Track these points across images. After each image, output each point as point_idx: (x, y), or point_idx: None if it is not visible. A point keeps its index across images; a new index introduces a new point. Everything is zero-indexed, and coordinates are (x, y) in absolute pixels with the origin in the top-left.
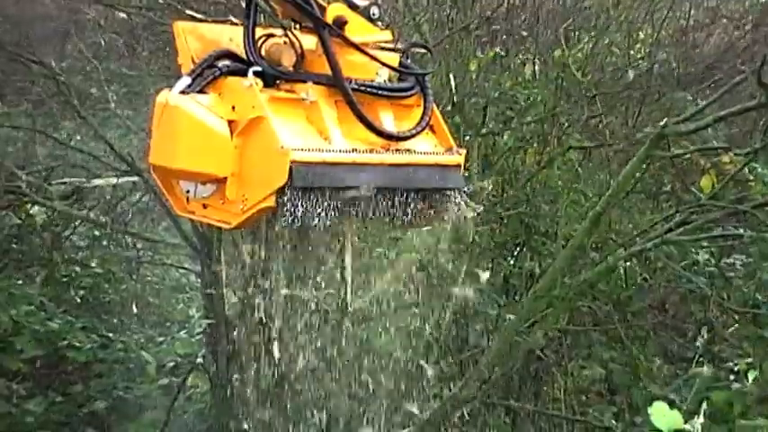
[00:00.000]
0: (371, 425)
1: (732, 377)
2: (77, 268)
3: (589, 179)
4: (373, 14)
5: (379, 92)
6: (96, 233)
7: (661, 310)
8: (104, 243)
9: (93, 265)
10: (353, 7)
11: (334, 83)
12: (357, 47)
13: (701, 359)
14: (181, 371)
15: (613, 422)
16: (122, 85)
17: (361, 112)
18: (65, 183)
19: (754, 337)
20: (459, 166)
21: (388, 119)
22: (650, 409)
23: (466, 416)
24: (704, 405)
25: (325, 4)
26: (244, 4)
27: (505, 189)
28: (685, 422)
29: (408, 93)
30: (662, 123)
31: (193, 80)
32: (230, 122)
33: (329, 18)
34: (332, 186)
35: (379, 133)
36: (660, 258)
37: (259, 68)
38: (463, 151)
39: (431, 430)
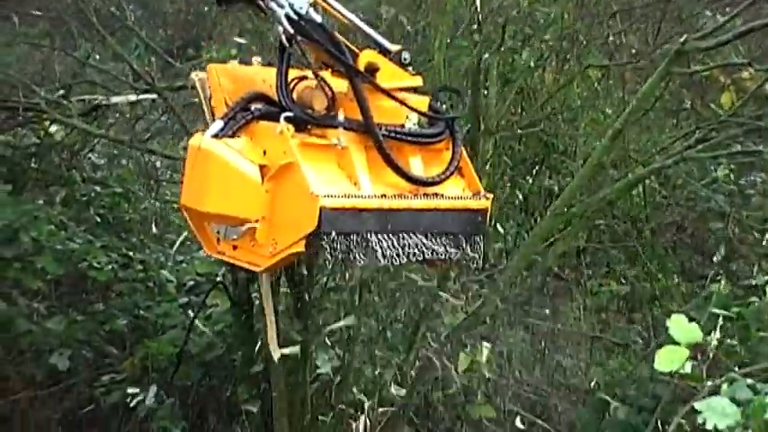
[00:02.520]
0: (394, 348)
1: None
2: (96, 187)
3: (608, 97)
4: (404, 60)
5: (410, 138)
6: (115, 152)
7: (679, 228)
8: (123, 162)
9: (112, 183)
10: (385, 53)
11: (366, 129)
12: (388, 93)
13: (718, 277)
14: (201, 290)
15: (632, 340)
16: (141, 5)
17: (392, 159)
18: (83, 100)
19: None
20: (486, 210)
21: (416, 163)
22: (669, 321)
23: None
24: (720, 320)
25: (357, 50)
26: (277, 48)
27: (524, 108)
28: (703, 338)
29: (437, 138)
30: (682, 40)
31: (226, 124)
32: (262, 167)
33: (361, 65)
34: (361, 231)
35: (409, 179)
36: (679, 176)
37: (291, 114)
38: (490, 195)
39: (452, 346)
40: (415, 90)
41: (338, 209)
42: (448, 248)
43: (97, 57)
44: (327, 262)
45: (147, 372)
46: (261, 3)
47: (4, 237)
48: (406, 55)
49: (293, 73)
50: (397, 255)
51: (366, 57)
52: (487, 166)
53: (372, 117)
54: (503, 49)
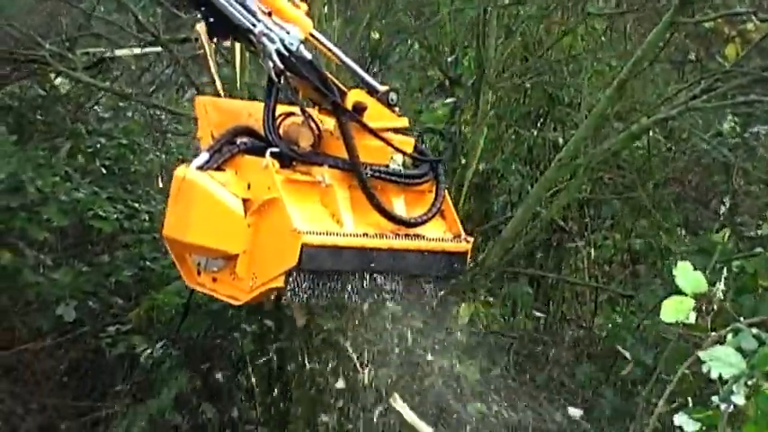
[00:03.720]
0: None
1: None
2: (102, 139)
3: (613, 49)
4: (391, 100)
5: (394, 178)
6: (120, 104)
7: (684, 181)
8: (128, 114)
9: (117, 135)
10: (373, 92)
11: (351, 168)
12: (374, 133)
13: (723, 229)
14: None
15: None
16: None
17: (376, 199)
18: (88, 53)
19: None
20: (466, 253)
21: (399, 203)
22: (674, 270)
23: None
24: (725, 271)
25: (345, 88)
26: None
27: (528, 59)
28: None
29: (421, 180)
30: None
31: (211, 156)
32: (245, 201)
33: (349, 103)
34: (341, 270)
35: (391, 218)
36: (684, 128)
37: (276, 149)
38: (471, 239)
39: (455, 299)
40: (400, 131)
41: (320, 246)
42: (426, 289)
43: (102, 9)
44: (305, 299)
45: (152, 323)
46: (252, 37)
47: (10, 186)
48: (393, 95)
49: (281, 109)
50: (376, 295)
51: (354, 96)
52: (489, 117)
53: (358, 156)
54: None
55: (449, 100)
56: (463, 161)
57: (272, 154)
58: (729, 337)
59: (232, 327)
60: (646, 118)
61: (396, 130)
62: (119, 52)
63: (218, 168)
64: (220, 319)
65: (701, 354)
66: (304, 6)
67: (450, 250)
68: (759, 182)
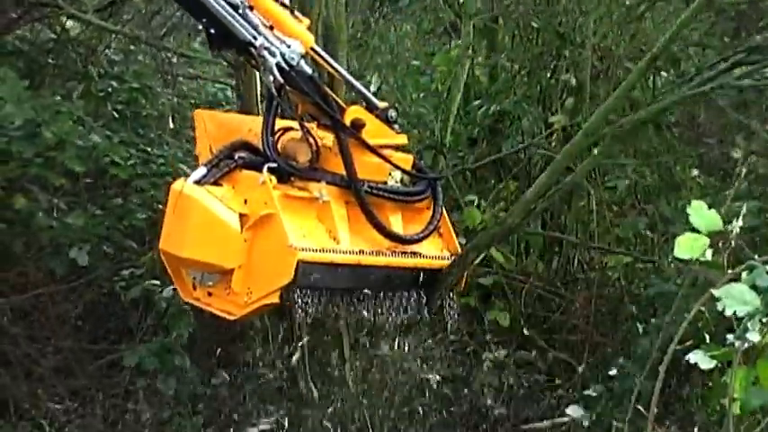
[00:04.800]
0: None
1: None
2: (113, 82)
3: None
4: (391, 117)
5: (392, 195)
6: (131, 47)
7: (697, 120)
8: (139, 58)
9: (128, 79)
10: (372, 109)
11: (349, 185)
12: (373, 150)
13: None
14: None
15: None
16: None
17: (373, 216)
18: None
19: None
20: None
21: (396, 220)
22: (689, 208)
23: None
24: (744, 209)
25: (344, 105)
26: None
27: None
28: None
29: (419, 197)
30: None
31: (209, 171)
32: (242, 216)
33: (348, 120)
34: (337, 287)
35: (388, 236)
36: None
37: (274, 165)
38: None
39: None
40: (399, 148)
41: (315, 263)
42: (421, 308)
43: None
44: (299, 316)
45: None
46: (253, 50)
47: (26, 133)
48: (392, 113)
49: (279, 123)
50: (372, 312)
51: (353, 112)
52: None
53: (356, 172)
54: None
55: (461, 41)
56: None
57: (270, 169)
58: (744, 274)
59: None
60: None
61: (395, 147)
62: None
63: (216, 183)
64: None
65: (716, 292)
66: (306, 21)
67: (446, 268)
68: None
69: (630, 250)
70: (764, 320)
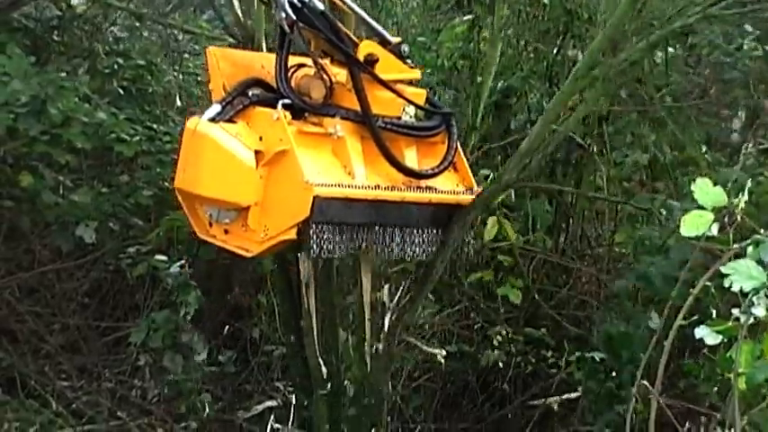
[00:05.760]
0: None
1: None
2: (119, 59)
3: None
4: (404, 52)
5: (406, 130)
6: (137, 24)
7: (704, 96)
8: (145, 34)
9: (134, 56)
10: (385, 44)
11: (363, 120)
12: (386, 85)
13: (744, 143)
14: None
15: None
16: None
17: (388, 151)
18: None
19: None
20: None
21: (411, 155)
22: (693, 185)
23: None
24: (749, 183)
25: (357, 40)
26: (278, 36)
27: None
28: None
29: (434, 132)
30: None
31: (223, 108)
32: (257, 152)
33: (361, 55)
34: (353, 222)
35: (403, 170)
36: (703, 45)
37: (288, 101)
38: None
39: (474, 214)
40: (413, 83)
41: (331, 198)
42: (435, 243)
43: None
44: (313, 252)
45: (172, 244)
46: None
47: (32, 109)
48: (405, 47)
49: (293, 60)
50: (384, 249)
51: (366, 47)
52: (503, 33)
53: (370, 108)
54: None
55: (467, 17)
56: (479, 79)
57: (284, 105)
58: (750, 249)
59: None
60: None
61: (408, 82)
62: None
63: (230, 120)
64: None
65: (722, 267)
66: None
67: (462, 203)
68: None
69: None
70: None
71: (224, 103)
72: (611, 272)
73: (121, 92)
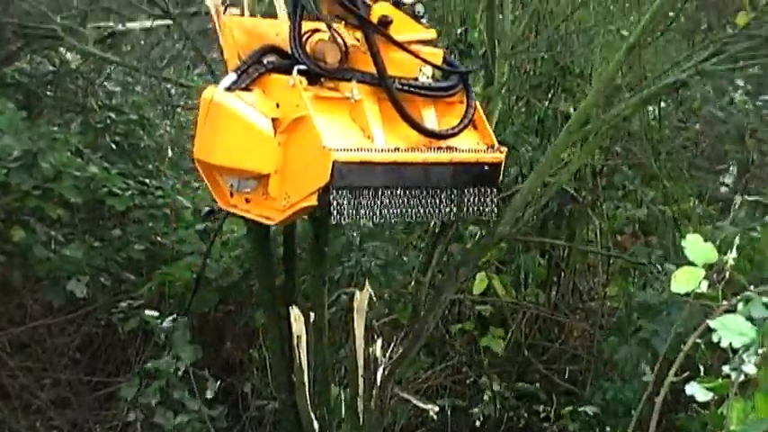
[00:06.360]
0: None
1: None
2: (112, 114)
3: (624, 19)
4: (418, 12)
5: (423, 91)
6: (130, 79)
7: (695, 151)
8: (138, 89)
9: (126, 110)
10: (398, 5)
11: (379, 83)
12: (401, 46)
13: (735, 196)
14: (217, 216)
15: (650, 263)
16: None
17: (406, 112)
18: (99, 27)
19: None
20: (500, 163)
21: (430, 116)
22: (684, 241)
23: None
24: (737, 239)
25: (370, 2)
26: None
27: (539, 30)
28: (719, 258)
29: (451, 91)
30: None
31: (239, 77)
32: (274, 120)
33: (374, 17)
34: (374, 186)
35: (422, 131)
36: (695, 98)
37: (304, 66)
38: (504, 149)
39: (466, 270)
40: (428, 43)
41: (351, 162)
42: (458, 204)
43: None
44: (335, 218)
45: (164, 298)
46: None
47: (24, 164)
48: (419, 7)
49: (306, 26)
50: (407, 211)
51: (379, 9)
52: (503, 90)
53: (386, 69)
54: None
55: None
56: None
57: (300, 71)
58: (740, 305)
59: (243, 301)
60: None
61: (424, 42)
62: (130, 25)
63: (246, 89)
64: (231, 294)
65: (711, 323)
66: None
67: (484, 161)
68: None
69: (633, 281)
70: (760, 352)
71: (239, 72)
72: (603, 327)
73: (114, 146)
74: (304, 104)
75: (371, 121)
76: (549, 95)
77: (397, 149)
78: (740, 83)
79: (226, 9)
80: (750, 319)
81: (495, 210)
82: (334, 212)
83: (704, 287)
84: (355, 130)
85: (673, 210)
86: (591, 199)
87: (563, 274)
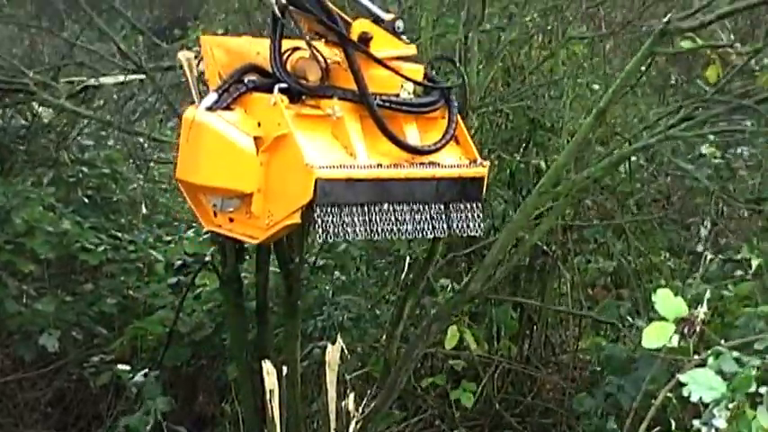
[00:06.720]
0: (379, 325)
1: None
2: (84, 168)
3: (594, 73)
4: (398, 28)
5: (405, 107)
6: (102, 133)
7: (666, 204)
8: (111, 143)
9: (99, 164)
10: (378, 22)
11: (361, 100)
12: (382, 63)
13: (705, 252)
14: (189, 270)
15: (620, 318)
16: None
17: (387, 128)
18: (72, 82)
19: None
20: (483, 177)
21: (412, 132)
22: (654, 296)
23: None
24: (708, 294)
25: (350, 19)
26: (270, 20)
27: (510, 83)
28: (689, 312)
29: (433, 107)
30: (665, 19)
31: (220, 96)
32: (256, 139)
33: (354, 34)
34: (357, 202)
35: (404, 147)
36: (665, 153)
37: (285, 85)
38: (487, 163)
39: (438, 326)
40: (409, 59)
41: (334, 180)
42: (444, 220)
43: (84, 39)
44: (320, 236)
45: (136, 352)
46: None
47: None
48: (399, 23)
49: (287, 44)
50: (392, 228)
51: (359, 26)
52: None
53: (367, 86)
54: (487, 26)
55: None
56: None
57: (281, 90)
58: (711, 360)
59: (216, 354)
60: (627, 145)
61: (404, 58)
62: (103, 80)
63: (227, 108)
64: (204, 348)
65: (682, 377)
66: None
67: (467, 176)
68: (742, 203)
69: (605, 334)
70: (731, 406)
71: (220, 91)
72: (575, 380)
73: (86, 200)
74: (285, 122)
75: (353, 137)
76: (521, 149)
77: (379, 166)
78: (710, 137)
79: (199, 63)
80: (720, 373)
81: (481, 226)
82: (320, 230)
83: (675, 341)
84: (337, 148)
85: (643, 263)
86: (562, 253)
87: (535, 327)
